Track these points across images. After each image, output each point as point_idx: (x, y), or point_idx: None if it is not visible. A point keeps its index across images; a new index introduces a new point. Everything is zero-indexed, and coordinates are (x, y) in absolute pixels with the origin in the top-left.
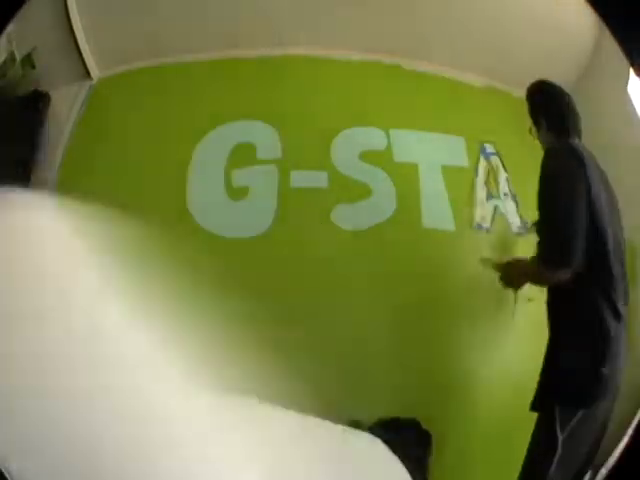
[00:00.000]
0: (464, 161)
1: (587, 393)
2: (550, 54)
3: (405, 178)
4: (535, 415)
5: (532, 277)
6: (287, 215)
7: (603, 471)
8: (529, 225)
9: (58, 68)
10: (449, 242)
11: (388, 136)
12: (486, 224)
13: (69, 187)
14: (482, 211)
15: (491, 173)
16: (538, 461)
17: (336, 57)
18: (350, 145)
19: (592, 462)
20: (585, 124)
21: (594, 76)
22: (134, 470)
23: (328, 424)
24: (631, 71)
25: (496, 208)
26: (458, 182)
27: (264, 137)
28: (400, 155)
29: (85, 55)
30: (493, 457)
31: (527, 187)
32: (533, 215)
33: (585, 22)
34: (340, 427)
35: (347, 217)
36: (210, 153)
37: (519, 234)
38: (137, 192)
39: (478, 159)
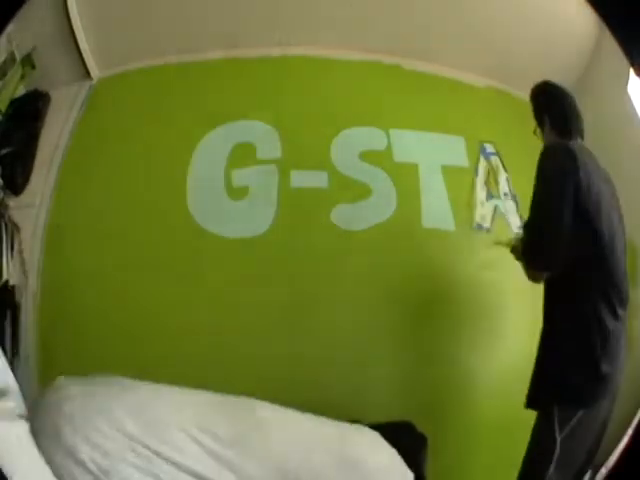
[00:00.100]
0: (464, 161)
1: (587, 393)
2: (550, 54)
3: (405, 178)
4: (534, 415)
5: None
6: (287, 215)
7: (603, 471)
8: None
9: (58, 68)
10: (449, 242)
11: (388, 136)
12: (486, 224)
13: (69, 187)
14: (482, 211)
15: (491, 173)
16: (537, 461)
17: (336, 57)
18: (350, 145)
19: (592, 462)
20: (585, 124)
21: (594, 76)
22: None
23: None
24: (631, 71)
25: (496, 208)
26: (458, 182)
27: (264, 137)
28: (400, 155)
29: (85, 55)
30: (492, 457)
31: (527, 187)
32: None
33: (585, 22)
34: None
35: (347, 217)
36: (210, 153)
37: (519, 234)
38: (137, 192)
39: (478, 159)
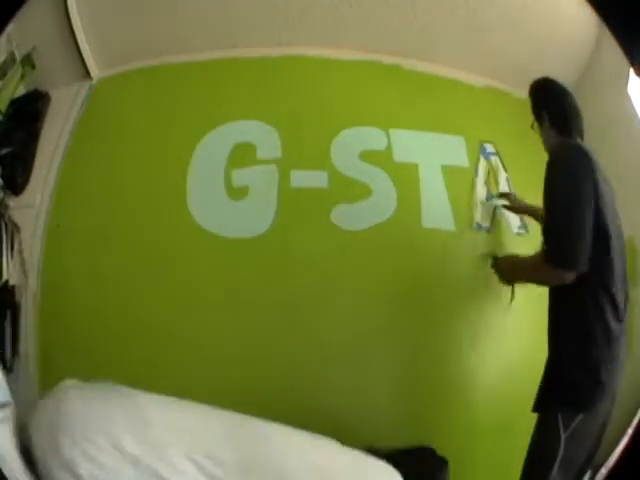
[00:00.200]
0: (464, 161)
1: (587, 398)
2: (550, 54)
3: (405, 178)
4: (535, 415)
5: (532, 275)
6: (287, 215)
7: (603, 471)
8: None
9: (58, 68)
10: (449, 242)
11: (388, 136)
12: (486, 224)
13: (69, 187)
14: (482, 211)
15: (491, 173)
16: (540, 462)
17: (336, 57)
18: (350, 145)
19: (592, 462)
20: (585, 124)
21: (594, 76)
22: None
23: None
24: (631, 71)
25: (496, 208)
26: (458, 182)
27: (264, 137)
28: (400, 155)
29: (85, 55)
30: (492, 457)
31: (527, 187)
32: None
33: (585, 22)
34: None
35: (347, 217)
36: (210, 153)
37: (519, 234)
38: (137, 192)
39: (478, 159)
